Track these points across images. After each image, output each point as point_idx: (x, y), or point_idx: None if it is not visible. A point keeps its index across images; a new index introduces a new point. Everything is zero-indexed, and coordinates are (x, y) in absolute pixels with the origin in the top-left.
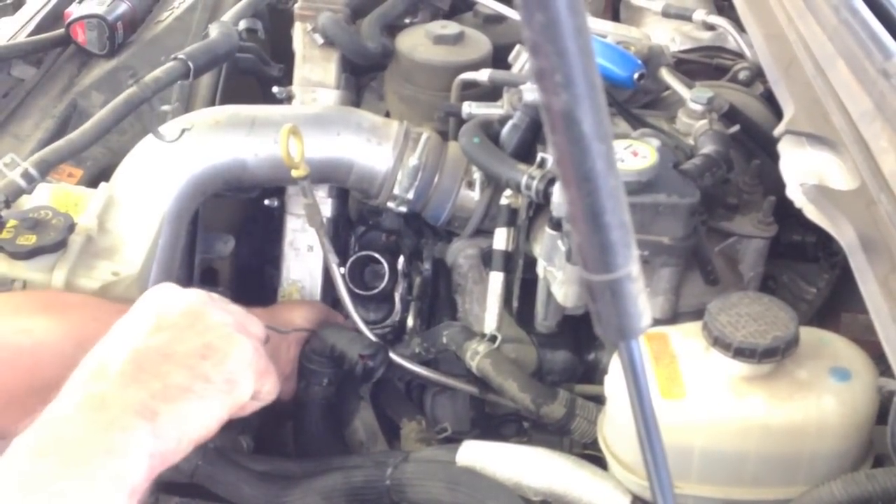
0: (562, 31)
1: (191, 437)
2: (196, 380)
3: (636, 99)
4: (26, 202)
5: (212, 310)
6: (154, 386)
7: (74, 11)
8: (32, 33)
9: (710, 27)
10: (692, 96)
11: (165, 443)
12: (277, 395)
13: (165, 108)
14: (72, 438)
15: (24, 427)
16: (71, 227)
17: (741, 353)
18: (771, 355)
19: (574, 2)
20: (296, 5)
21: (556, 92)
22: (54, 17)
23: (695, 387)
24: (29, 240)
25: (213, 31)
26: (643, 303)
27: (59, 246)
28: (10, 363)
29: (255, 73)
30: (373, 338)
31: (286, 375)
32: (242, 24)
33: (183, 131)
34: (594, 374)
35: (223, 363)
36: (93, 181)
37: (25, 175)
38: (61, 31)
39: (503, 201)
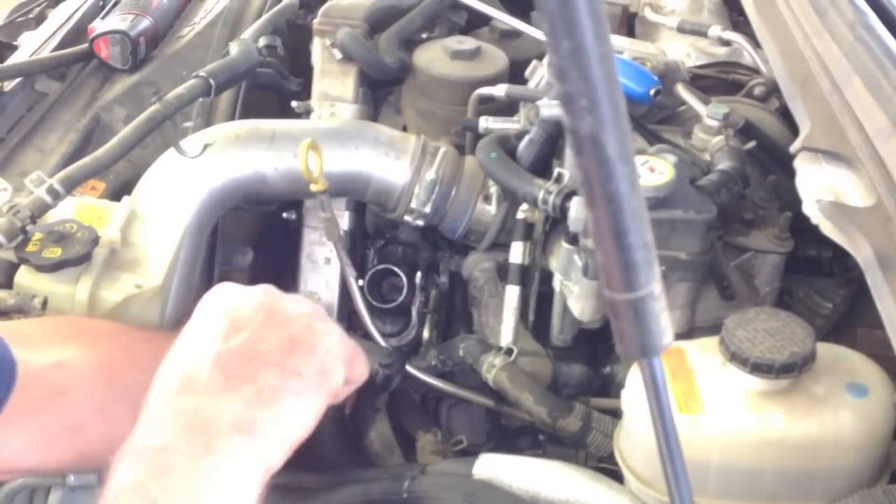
0: (588, 58)
1: (292, 438)
2: (287, 377)
3: (651, 114)
4: (51, 216)
5: (285, 302)
6: (246, 392)
7: (98, 27)
8: (56, 48)
9: (726, 43)
10: (708, 112)
11: (269, 454)
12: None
13: (188, 124)
14: (176, 470)
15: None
16: (95, 241)
17: (758, 368)
18: (788, 371)
19: (599, 29)
20: (314, 21)
21: (582, 116)
22: (77, 33)
23: (712, 402)
24: (54, 253)
25: (234, 48)
26: (665, 321)
27: (84, 259)
28: (46, 402)
29: (274, 88)
30: (385, 346)
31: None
32: (262, 41)
33: (205, 146)
34: (610, 387)
35: (311, 354)
36: (115, 194)
37: (51, 191)
38: (85, 46)
39: (520, 215)
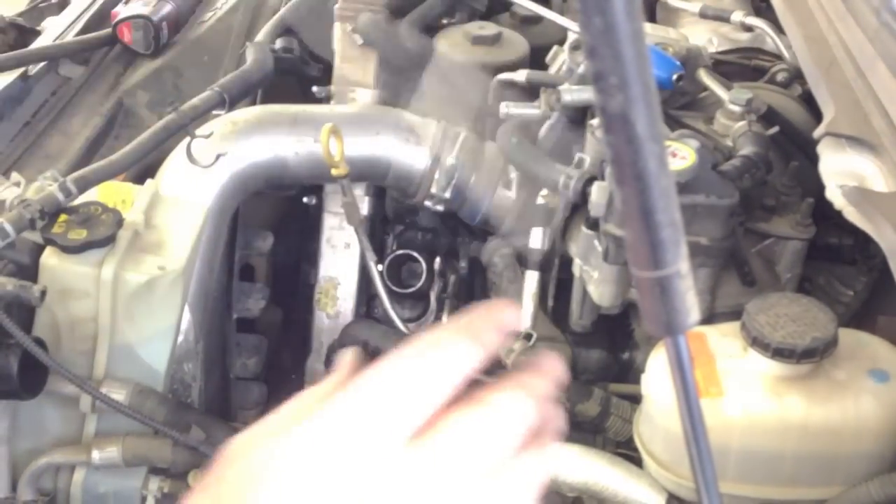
0: (619, 35)
1: None
2: None
3: (673, 100)
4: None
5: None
6: None
7: (121, 12)
8: (79, 33)
9: (748, 28)
10: (731, 98)
11: None
12: None
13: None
14: None
15: None
16: (119, 223)
17: (780, 353)
18: (810, 356)
19: (631, 7)
20: (336, 6)
21: (612, 94)
22: (100, 17)
23: (733, 386)
24: (80, 234)
25: (249, 54)
26: (691, 299)
27: (109, 241)
28: None
29: (296, 73)
30: (404, 331)
31: None
32: (279, 44)
33: (218, 157)
34: (629, 373)
35: None
36: (138, 177)
37: (64, 188)
38: (108, 30)
39: (539, 201)
